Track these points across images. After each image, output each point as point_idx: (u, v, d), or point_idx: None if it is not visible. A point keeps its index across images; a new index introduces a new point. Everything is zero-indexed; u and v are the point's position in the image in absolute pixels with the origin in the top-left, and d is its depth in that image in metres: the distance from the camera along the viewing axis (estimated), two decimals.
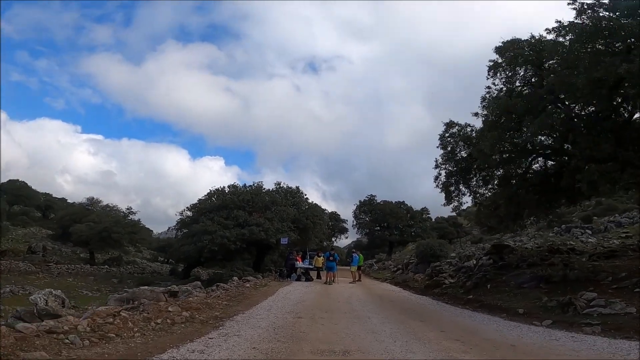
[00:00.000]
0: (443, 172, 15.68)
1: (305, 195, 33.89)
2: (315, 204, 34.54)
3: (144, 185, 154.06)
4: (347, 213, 57.44)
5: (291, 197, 32.07)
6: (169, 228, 32.26)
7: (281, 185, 33.39)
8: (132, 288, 15.71)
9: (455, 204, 15.68)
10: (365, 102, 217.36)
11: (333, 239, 52.52)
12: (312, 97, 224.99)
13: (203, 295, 14.43)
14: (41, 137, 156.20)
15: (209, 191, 30.86)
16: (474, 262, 19.95)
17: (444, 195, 15.58)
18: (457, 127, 15.60)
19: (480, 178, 14.59)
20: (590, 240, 21.12)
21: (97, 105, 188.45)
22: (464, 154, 15.50)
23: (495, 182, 14.16)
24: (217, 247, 25.05)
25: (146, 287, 14.33)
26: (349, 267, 28.34)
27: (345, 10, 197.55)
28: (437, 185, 15.80)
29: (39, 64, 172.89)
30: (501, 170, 13.20)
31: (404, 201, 54.21)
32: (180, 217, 31.18)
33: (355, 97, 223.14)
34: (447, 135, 15.76)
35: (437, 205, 55.16)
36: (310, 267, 23.90)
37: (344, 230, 55.90)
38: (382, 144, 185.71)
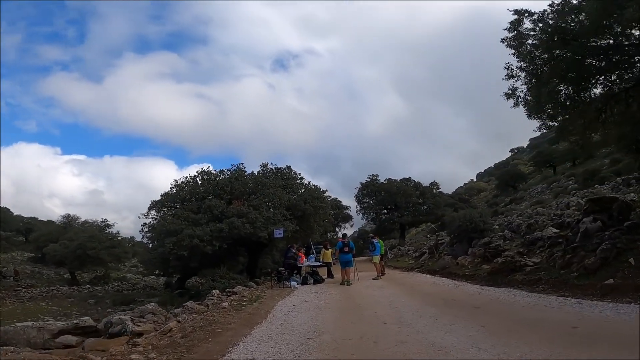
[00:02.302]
0: (520, 83, 10.07)
1: (300, 174, 27.10)
2: (315, 185, 27.57)
3: (136, 201, 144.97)
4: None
5: (282, 179, 25.32)
6: (142, 237, 24.85)
7: (268, 167, 26.49)
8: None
9: (558, 118, 10.10)
10: (339, 93, 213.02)
11: (337, 229, 45.95)
12: (286, 94, 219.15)
13: (141, 329, 8.72)
14: (21, 162, 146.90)
15: (174, 182, 23.40)
16: (555, 231, 14.06)
17: (533, 110, 10.16)
18: (535, 16, 9.90)
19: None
20: None
21: (71, 124, 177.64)
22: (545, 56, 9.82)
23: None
24: (186, 250, 18.20)
25: (30, 323, 9.75)
26: (365, 259, 22.79)
27: (300, 10, 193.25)
28: (515, 103, 10.70)
29: None
30: None
31: (409, 177, 48.10)
32: (145, 219, 23.76)
33: (328, 90, 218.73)
34: (519, 31, 10.03)
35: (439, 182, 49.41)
36: (318, 263, 18.03)
37: (347, 218, 49.40)
38: (361, 132, 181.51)
